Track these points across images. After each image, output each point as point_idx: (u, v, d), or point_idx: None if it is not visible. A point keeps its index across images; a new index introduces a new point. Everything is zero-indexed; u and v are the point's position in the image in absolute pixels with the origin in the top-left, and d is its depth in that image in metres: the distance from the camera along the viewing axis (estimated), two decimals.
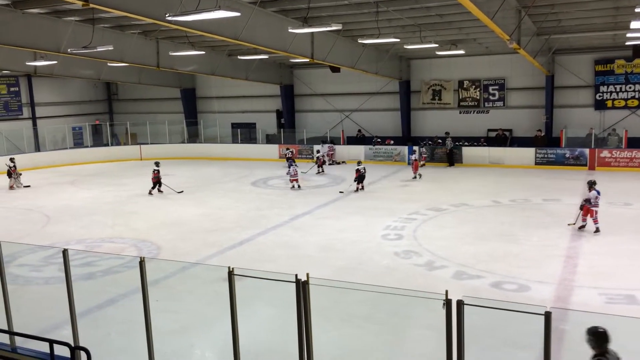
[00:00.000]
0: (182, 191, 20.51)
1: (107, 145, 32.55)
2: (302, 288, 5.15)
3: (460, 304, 4.51)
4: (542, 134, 25.28)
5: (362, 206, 17.32)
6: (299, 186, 20.70)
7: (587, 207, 13.40)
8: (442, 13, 16.76)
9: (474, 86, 27.52)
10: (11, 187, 22.25)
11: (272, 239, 14.02)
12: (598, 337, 4.84)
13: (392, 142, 27.44)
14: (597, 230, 13.24)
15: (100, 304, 9.69)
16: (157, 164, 20.64)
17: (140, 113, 34.89)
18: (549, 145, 24.76)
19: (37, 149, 30.58)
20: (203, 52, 22.56)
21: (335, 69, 25.32)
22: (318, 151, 26.12)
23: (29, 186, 22.53)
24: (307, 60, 19.74)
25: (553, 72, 25.53)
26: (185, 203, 18.70)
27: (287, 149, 26.84)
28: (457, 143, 26.15)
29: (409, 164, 24.72)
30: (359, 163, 20.11)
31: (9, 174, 22.48)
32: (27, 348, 6.36)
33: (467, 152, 25.44)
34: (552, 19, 18.19)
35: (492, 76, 27.09)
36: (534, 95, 26.36)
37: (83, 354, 5.46)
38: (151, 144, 31.66)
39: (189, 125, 33.08)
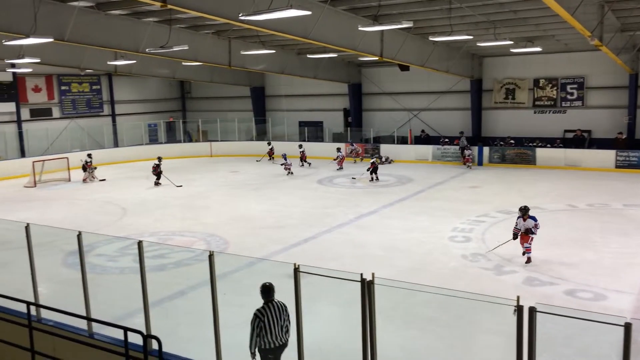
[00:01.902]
0: (181, 185, 21.92)
1: (179, 141, 33.73)
2: (367, 288, 5.10)
3: (532, 311, 4.32)
4: (624, 136, 23.90)
5: (429, 207, 17.02)
6: (292, 172, 24.03)
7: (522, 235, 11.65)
8: (517, 9, 16.18)
9: (550, 85, 26.40)
10: (84, 180, 23.68)
11: (336, 237, 14.04)
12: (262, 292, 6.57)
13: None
14: (529, 260, 11.56)
15: (170, 295, 10.04)
16: (159, 158, 22.94)
17: (211, 111, 35.87)
18: (632, 147, 23.36)
19: (116, 144, 32.12)
20: (273, 51, 22.89)
21: (404, 67, 25.03)
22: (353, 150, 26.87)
23: (104, 179, 23.74)
24: (376, 58, 19.60)
25: (637, 71, 24.06)
26: (252, 200, 19.06)
27: (269, 142, 29.14)
28: (530, 144, 25.22)
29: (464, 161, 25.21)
30: (372, 156, 23.14)
31: (84, 168, 24.00)
32: (103, 334, 6.69)
33: (541, 153, 24.45)
34: (638, 14, 17.14)
35: (570, 74, 25.88)
36: (615, 95, 24.96)
37: (154, 342, 5.67)
38: (221, 141, 32.51)
39: (257, 123, 33.69)
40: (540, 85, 26.62)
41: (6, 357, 7.13)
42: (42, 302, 7.19)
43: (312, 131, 31.61)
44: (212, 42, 21.80)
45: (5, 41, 15.14)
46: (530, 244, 11.58)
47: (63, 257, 12.07)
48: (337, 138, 31.03)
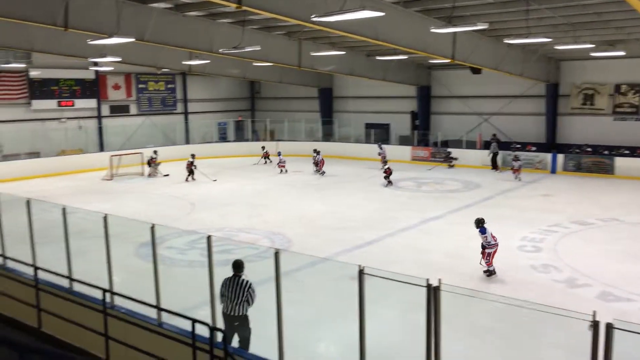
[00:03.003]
0: (216, 179, 23.02)
1: (247, 140, 34.43)
2: (433, 293, 5.00)
3: (609, 327, 4.10)
4: None
5: (498, 214, 16.49)
6: (286, 170, 25.00)
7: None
8: (600, 11, 15.43)
9: (633, 91, 24.98)
10: (149, 175, 24.83)
11: (399, 241, 13.87)
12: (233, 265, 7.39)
13: (533, 148, 25.85)
14: (490, 273, 11.00)
15: None
16: (192, 156, 23.83)
17: (279, 111, 36.40)
18: None
19: (187, 141, 33.19)
20: (343, 52, 22.94)
21: (476, 70, 24.39)
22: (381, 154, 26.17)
23: (167, 175, 24.72)
24: (447, 61, 19.24)
25: None
26: (316, 200, 19.16)
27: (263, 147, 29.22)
28: (609, 152, 23.98)
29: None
30: (385, 162, 22.94)
31: (149, 163, 25.16)
32: (171, 324, 6.91)
33: (621, 162, 23.17)
34: None
35: None
36: None
37: (220, 335, 5.80)
38: (288, 140, 32.91)
39: (324, 124, 33.87)
40: (622, 91, 25.23)
41: (82, 341, 7.51)
42: (115, 290, 7.53)
43: (379, 133, 31.40)
44: (283, 43, 22.11)
45: (90, 41, 15.97)
46: (487, 259, 10.94)
47: (135, 248, 12.59)
48: (403, 141, 30.71)
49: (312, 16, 11.31)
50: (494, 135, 26.29)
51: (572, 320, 4.35)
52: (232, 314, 7.25)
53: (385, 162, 24.99)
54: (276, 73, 30.06)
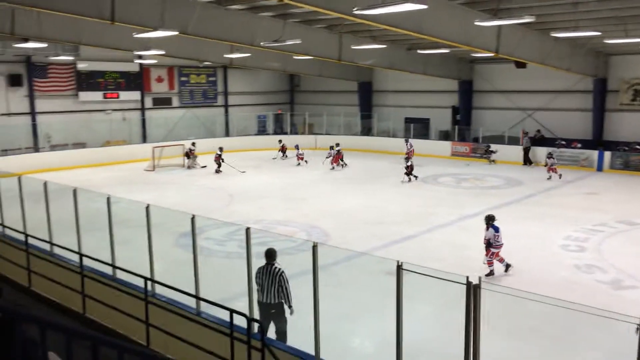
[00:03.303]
0: (244, 171, 23.50)
1: (286, 133, 34.58)
2: (473, 292, 4.91)
3: None
4: None
5: (540, 212, 16.13)
6: (306, 161, 25.52)
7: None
8: None
9: None
10: (188, 167, 25.26)
11: (438, 237, 13.71)
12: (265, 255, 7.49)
13: (579, 145, 25.11)
14: (491, 273, 10.73)
15: None
16: (220, 149, 24.10)
17: (318, 104, 36.41)
18: None
19: (227, 134, 33.60)
20: (384, 46, 22.72)
21: (520, 65, 23.83)
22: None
23: (204, 166, 25.12)
24: (491, 54, 18.83)
25: None
26: (354, 194, 19.11)
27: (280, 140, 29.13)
28: None
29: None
30: (407, 159, 21.77)
31: (187, 155, 25.58)
32: (209, 313, 7.02)
33: None
34: None
35: None
36: None
37: (257, 326, 5.86)
38: (326, 134, 32.91)
39: (363, 118, 33.71)
40: None
41: (124, 327, 7.71)
42: (155, 278, 7.69)
43: (418, 128, 31.04)
44: (324, 37, 22.06)
45: (136, 34, 16.29)
46: (490, 257, 10.72)
47: (175, 238, 12.84)
48: (443, 136, 30.29)
49: (354, 9, 11.24)
50: (538, 130, 25.72)
51: (618, 322, 4.21)
52: (267, 302, 7.32)
53: (407, 158, 24.95)
54: (316, 66, 30.03)
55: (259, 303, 7.39)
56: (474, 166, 25.14)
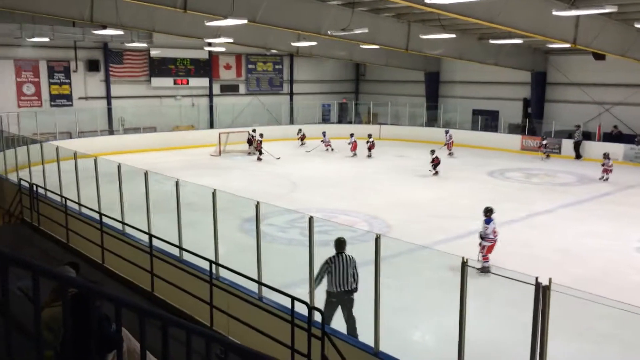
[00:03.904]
0: (279, 157, 23.78)
1: (350, 123, 34.50)
2: (542, 293, 4.72)
3: None
4: None
5: (615, 211, 15.33)
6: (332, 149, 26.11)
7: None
8: None
9: None
10: (249, 154, 25.53)
11: (504, 234, 13.22)
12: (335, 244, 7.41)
13: None
14: (484, 269, 10.17)
15: None
16: (261, 135, 24.77)
17: (383, 94, 36.04)
18: None
19: (291, 122, 33.90)
20: (453, 36, 22.15)
21: (599, 56, 22.65)
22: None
23: (260, 159, 25.31)
24: (568, 45, 17.98)
25: None
26: (419, 186, 18.83)
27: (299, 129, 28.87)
28: None
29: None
30: (432, 152, 21.06)
31: (249, 142, 25.96)
32: (270, 299, 7.12)
33: None
34: None
35: None
36: None
37: (317, 314, 5.89)
38: (391, 124, 32.57)
39: (429, 109, 33.09)
40: None
41: (189, 307, 7.95)
42: (220, 262, 7.87)
43: (487, 120, 30.16)
44: (392, 25, 21.76)
45: (207, 22, 16.66)
46: (482, 252, 10.59)
47: (239, 223, 13.10)
48: (513, 129, 29.27)
49: None
50: (578, 125, 25.38)
51: None
52: (342, 289, 7.36)
53: (449, 149, 25.52)
54: (382, 55, 29.71)
55: (330, 293, 7.39)
56: (546, 161, 24.22)
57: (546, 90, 29.15)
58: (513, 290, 5.03)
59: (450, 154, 25.55)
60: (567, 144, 25.74)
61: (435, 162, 20.69)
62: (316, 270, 7.17)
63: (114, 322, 3.09)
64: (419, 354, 7.81)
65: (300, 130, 29.48)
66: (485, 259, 10.64)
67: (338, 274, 7.33)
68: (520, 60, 27.73)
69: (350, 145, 25.36)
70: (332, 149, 26.38)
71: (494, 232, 10.78)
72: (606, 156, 20.01)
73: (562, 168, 22.42)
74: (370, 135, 25.53)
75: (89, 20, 18.41)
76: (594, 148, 24.58)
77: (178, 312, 7.96)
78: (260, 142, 24.48)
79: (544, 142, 25.43)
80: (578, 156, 25.04)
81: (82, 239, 10.61)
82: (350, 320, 7.36)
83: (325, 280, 7.40)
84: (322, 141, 26.93)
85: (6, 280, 2.56)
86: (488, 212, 11.00)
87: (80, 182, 11.73)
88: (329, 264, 7.35)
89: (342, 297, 7.36)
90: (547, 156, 25.12)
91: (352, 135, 25.72)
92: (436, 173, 20.54)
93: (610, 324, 8.10)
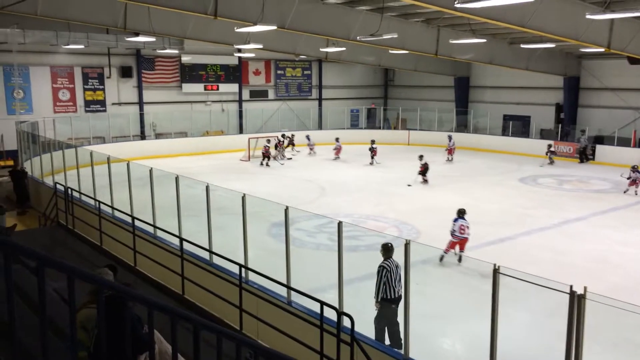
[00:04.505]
0: (283, 163, 24.48)
1: (379, 128, 34.40)
2: (577, 302, 4.61)
3: None
4: None
5: None
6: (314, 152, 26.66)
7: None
8: None
9: None
10: (274, 158, 25.54)
11: (536, 241, 13.06)
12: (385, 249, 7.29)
13: None
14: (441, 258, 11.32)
15: (360, 276, 10.29)
16: (268, 140, 24.78)
17: (412, 99, 35.86)
18: None
19: (320, 127, 33.97)
20: (483, 40, 21.89)
21: (634, 61, 22.11)
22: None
23: (290, 159, 25.75)
24: (601, 49, 17.60)
25: None
26: (447, 191, 18.64)
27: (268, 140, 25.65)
28: None
29: None
30: (421, 157, 20.42)
31: (276, 146, 26.07)
32: (299, 303, 7.12)
33: None
34: None
35: None
36: None
37: (347, 320, 5.86)
38: (420, 130, 32.36)
39: (458, 114, 32.78)
40: None
41: (219, 310, 8.01)
42: (249, 266, 7.92)
43: (518, 125, 29.70)
44: (421, 31, 21.63)
45: (237, 28, 16.84)
46: (447, 245, 11.35)
47: (268, 227, 13.16)
48: (545, 135, 28.75)
49: (456, 2, 10.89)
50: (582, 130, 25.88)
51: None
52: (397, 295, 7.28)
53: (450, 154, 25.36)
54: (411, 61, 29.54)
55: (386, 300, 7.26)
56: (581, 167, 23.71)
57: (579, 95, 28.57)
58: (545, 298, 4.91)
59: (449, 159, 25.31)
60: (600, 150, 25.19)
61: (423, 169, 19.98)
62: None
63: (146, 324, 3.13)
64: None
65: (283, 135, 27.79)
66: (446, 250, 11.43)
67: (393, 279, 7.26)
68: (552, 65, 27.25)
69: (335, 151, 25.94)
70: (314, 153, 26.94)
71: (461, 230, 11.40)
72: (635, 169, 18.44)
73: (592, 174, 21.93)
74: (373, 142, 25.15)
75: (122, 28, 18.80)
76: (630, 154, 23.98)
77: (208, 315, 8.03)
78: (268, 147, 24.42)
79: (551, 148, 24.92)
80: (582, 160, 25.48)
81: (115, 241, 10.80)
82: (395, 327, 7.23)
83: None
84: (308, 145, 27.28)
85: (43, 281, 2.62)
86: (459, 212, 11.74)
87: (113, 186, 11.95)
88: (387, 269, 7.23)
89: (397, 303, 7.26)
90: (552, 162, 24.46)
91: (337, 139, 26.30)
92: (425, 181, 19.86)
93: None
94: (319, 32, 19.01)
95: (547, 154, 24.86)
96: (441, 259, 11.48)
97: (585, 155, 25.54)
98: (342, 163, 24.81)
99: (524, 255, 11.83)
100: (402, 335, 7.20)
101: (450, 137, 26.37)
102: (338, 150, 26.07)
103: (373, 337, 6.53)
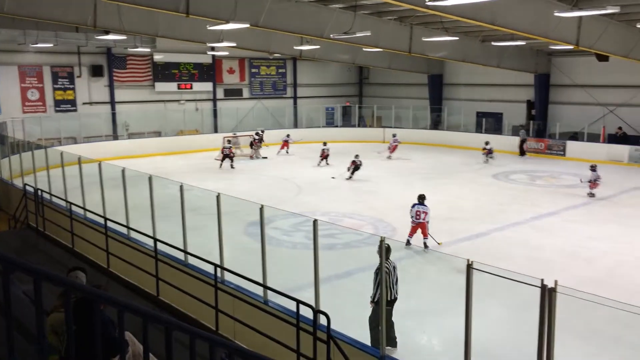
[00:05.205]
0: (265, 157, 25.34)
1: (354, 126, 34.51)
2: (548, 295, 4.70)
3: None
4: None
5: (621, 214, 15.27)
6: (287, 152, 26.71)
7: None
8: None
9: None
10: (251, 157, 25.61)
11: (509, 236, 13.27)
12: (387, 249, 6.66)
13: None
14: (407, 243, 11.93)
15: (338, 274, 10.35)
16: (229, 141, 24.63)
17: (387, 97, 36.05)
18: None
19: (295, 125, 33.92)
20: (456, 38, 22.13)
21: (602, 58, 22.59)
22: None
23: (265, 157, 25.66)
24: (570, 47, 17.94)
25: None
26: (422, 189, 18.71)
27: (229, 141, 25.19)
28: None
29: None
30: (356, 156, 20.55)
31: (251, 145, 26.00)
32: (276, 302, 7.10)
33: None
34: None
35: None
36: None
37: (323, 318, 5.86)
38: (394, 127, 32.55)
39: (432, 111, 33.08)
40: None
41: (194, 311, 7.94)
42: (224, 266, 7.86)
43: (491, 122, 30.10)
44: (394, 29, 21.77)
45: (210, 26, 16.71)
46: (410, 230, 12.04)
47: (244, 227, 13.10)
48: (517, 131, 29.19)
49: (427, 0, 10.98)
50: (521, 125, 26.90)
51: None
52: (394, 297, 7.26)
53: (391, 151, 25.64)
54: (385, 59, 29.70)
55: (391, 301, 7.19)
56: (552, 163, 24.14)
57: (550, 92, 29.10)
58: (518, 292, 4.99)
59: (389, 157, 25.48)
60: (571, 145, 25.71)
61: (353, 165, 20.20)
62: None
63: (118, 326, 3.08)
64: (425, 357, 7.79)
65: (258, 133, 27.21)
66: (409, 234, 12.04)
67: (391, 281, 7.19)
68: (523, 62, 27.70)
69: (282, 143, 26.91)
70: (287, 152, 27.06)
71: (417, 215, 12.01)
72: (593, 169, 17.58)
73: (563, 170, 22.35)
74: (325, 143, 24.23)
75: (92, 26, 18.47)
76: (604, 150, 24.52)
77: (183, 316, 7.95)
78: (229, 148, 23.41)
79: (488, 146, 24.40)
80: (522, 153, 26.65)
81: (87, 243, 10.62)
82: (391, 328, 7.21)
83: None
84: (284, 140, 27.27)
85: (8, 284, 2.56)
86: (419, 198, 12.41)
87: (85, 187, 11.76)
88: (388, 269, 7.09)
89: (390, 306, 7.17)
90: (487, 160, 24.14)
91: (288, 135, 27.10)
92: (350, 177, 20.09)
93: (616, 327, 8.05)
94: (293, 30, 18.98)
95: (484, 152, 24.33)
96: (407, 243, 11.93)
97: (523, 149, 26.68)
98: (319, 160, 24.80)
99: (498, 250, 12.01)
100: (395, 334, 7.31)
101: (394, 135, 26.57)
102: (284, 144, 26.93)
103: (350, 335, 6.53)
